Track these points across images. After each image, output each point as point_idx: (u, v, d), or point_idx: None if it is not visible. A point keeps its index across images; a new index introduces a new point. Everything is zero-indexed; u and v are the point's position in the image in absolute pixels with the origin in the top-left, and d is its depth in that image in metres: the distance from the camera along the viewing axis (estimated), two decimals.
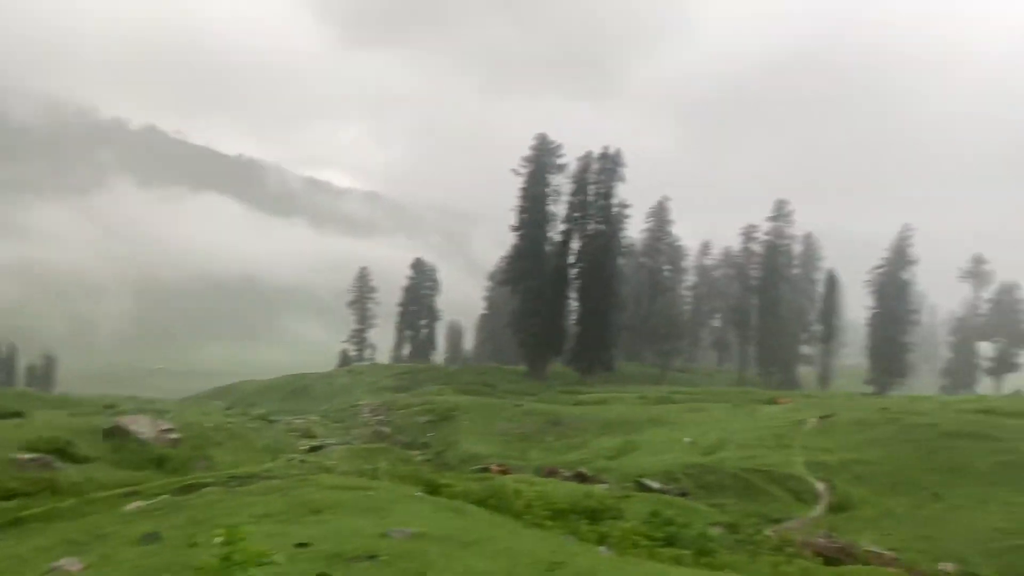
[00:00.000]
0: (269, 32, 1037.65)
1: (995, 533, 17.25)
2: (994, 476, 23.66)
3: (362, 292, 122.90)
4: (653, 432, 40.81)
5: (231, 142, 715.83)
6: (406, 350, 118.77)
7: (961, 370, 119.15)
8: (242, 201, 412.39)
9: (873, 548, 16.07)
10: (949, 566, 15.03)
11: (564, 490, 20.52)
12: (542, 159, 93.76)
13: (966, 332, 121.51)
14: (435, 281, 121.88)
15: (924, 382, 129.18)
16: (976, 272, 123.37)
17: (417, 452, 39.85)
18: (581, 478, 28.11)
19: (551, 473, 29.56)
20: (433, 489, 16.88)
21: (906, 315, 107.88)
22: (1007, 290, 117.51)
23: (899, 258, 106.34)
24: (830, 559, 15.64)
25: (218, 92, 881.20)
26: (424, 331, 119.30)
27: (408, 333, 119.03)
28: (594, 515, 17.53)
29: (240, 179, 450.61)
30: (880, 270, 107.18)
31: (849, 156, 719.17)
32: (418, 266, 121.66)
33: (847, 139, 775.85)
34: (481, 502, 16.09)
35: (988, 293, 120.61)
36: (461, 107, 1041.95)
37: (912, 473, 25.45)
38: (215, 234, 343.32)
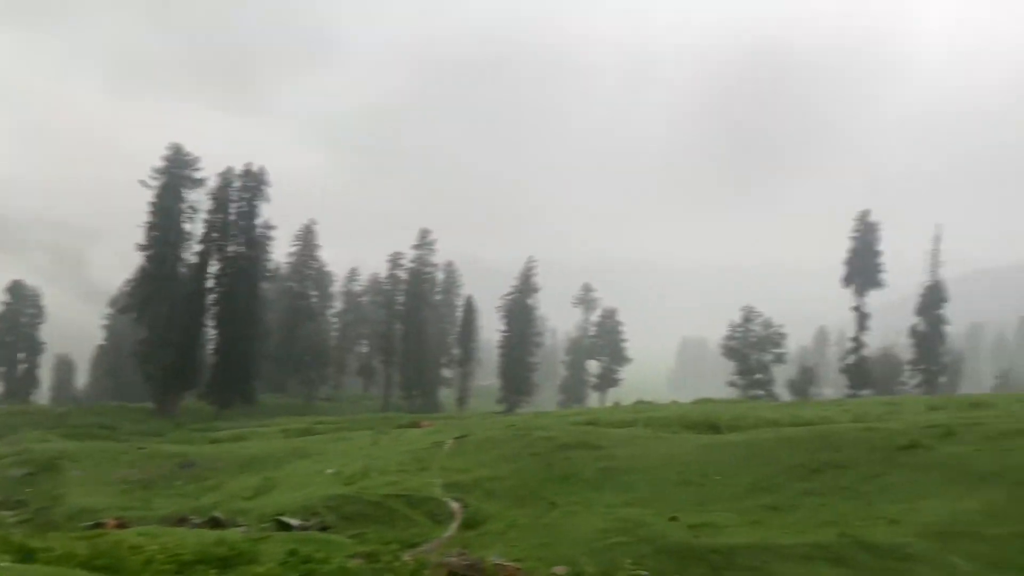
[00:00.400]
0: None
1: (598, 533, 19.48)
2: (598, 481, 26.88)
3: None
4: (295, 466, 39.53)
5: None
6: None
7: (574, 386, 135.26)
8: None
9: (500, 560, 17.18)
10: (561, 569, 16.62)
11: (193, 539, 18.78)
12: (176, 172, 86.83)
13: (578, 352, 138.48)
14: (39, 308, 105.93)
15: (546, 398, 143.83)
16: (585, 299, 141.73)
17: (10, 512, 33.68)
18: (215, 523, 26.08)
19: (180, 521, 27.03)
20: (26, 555, 14.38)
21: (531, 338, 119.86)
22: (609, 314, 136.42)
23: (525, 286, 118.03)
24: None
25: None
26: (23, 367, 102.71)
27: (1, 369, 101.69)
28: (226, 563, 16.29)
29: None
30: (510, 297, 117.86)
31: (485, 189, 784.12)
32: (16, 290, 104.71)
33: (483, 173, 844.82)
34: (89, 564, 14.12)
35: (594, 317, 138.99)
36: (78, 106, 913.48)
37: (535, 485, 27.88)
38: None
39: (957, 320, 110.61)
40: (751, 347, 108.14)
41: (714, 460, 26.64)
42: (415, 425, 57.53)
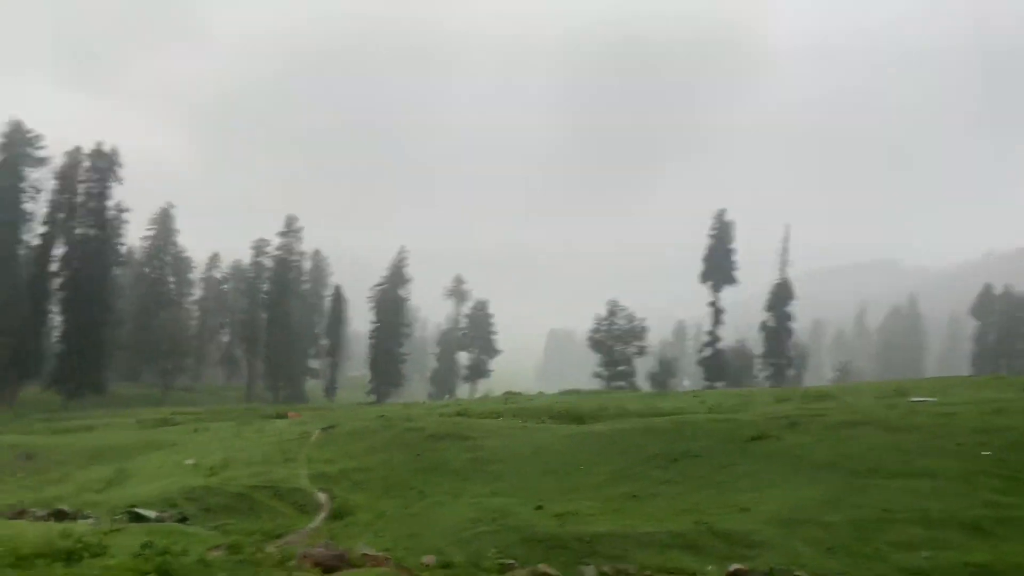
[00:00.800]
0: None
1: (465, 522, 19.79)
2: (466, 472, 27.27)
3: None
4: (151, 457, 37.75)
5: None
6: None
7: (445, 377, 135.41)
8: None
9: (368, 551, 17.14)
10: (430, 558, 16.79)
11: (34, 532, 17.58)
12: (16, 149, 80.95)
13: (449, 343, 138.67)
14: None
15: (416, 389, 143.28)
16: (457, 291, 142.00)
17: None
18: (61, 516, 24.53)
19: (20, 514, 25.19)
20: None
21: (401, 328, 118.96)
22: (480, 307, 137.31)
23: (396, 276, 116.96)
24: (329, 567, 16.22)
25: None
26: None
27: None
28: (71, 556, 15.37)
29: None
30: (380, 287, 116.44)
31: (356, 179, 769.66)
32: None
33: (355, 163, 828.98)
34: None
35: (466, 309, 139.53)
36: None
37: (403, 475, 27.95)
38: None
39: (802, 316, 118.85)
40: (615, 340, 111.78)
41: (578, 450, 27.57)
42: (281, 416, 56.26)
